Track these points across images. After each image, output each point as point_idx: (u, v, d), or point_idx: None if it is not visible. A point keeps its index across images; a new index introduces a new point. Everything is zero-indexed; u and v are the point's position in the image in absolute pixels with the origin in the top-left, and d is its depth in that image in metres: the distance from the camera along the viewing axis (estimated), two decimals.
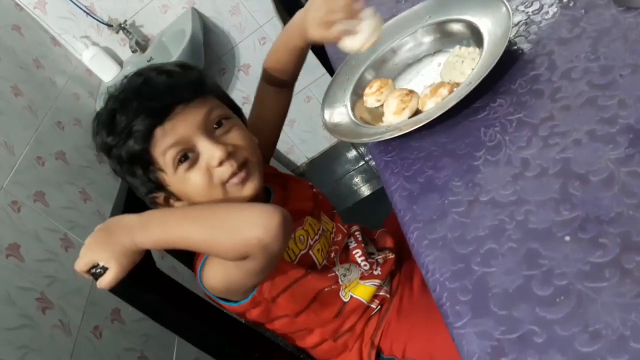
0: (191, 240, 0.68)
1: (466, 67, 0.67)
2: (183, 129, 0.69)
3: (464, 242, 0.49)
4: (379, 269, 0.89)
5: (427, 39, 0.76)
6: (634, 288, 0.37)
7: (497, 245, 0.46)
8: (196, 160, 0.71)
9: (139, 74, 0.73)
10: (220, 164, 0.71)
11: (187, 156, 0.71)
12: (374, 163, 2.28)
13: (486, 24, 0.67)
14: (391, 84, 0.74)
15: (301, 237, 0.82)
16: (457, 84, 0.64)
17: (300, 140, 2.29)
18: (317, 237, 0.84)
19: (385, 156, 0.66)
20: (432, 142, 0.63)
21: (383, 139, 0.63)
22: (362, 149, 2.28)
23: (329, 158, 2.36)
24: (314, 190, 0.95)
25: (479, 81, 0.59)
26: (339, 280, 0.83)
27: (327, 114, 0.74)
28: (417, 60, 0.77)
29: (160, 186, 0.74)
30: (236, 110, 0.82)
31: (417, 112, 0.67)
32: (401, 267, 0.93)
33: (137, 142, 0.68)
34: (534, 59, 0.62)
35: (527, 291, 0.41)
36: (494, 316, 0.42)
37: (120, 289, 0.66)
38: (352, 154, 2.32)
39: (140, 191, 0.76)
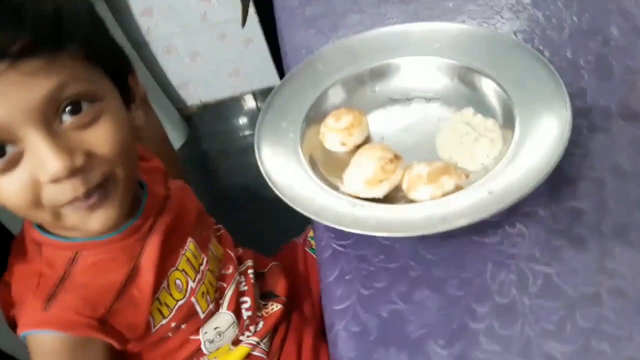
0: None
1: (479, 150, 0.47)
2: (2, 108, 0.39)
3: None
4: (261, 323, 0.69)
5: (431, 77, 0.54)
6: None
7: None
8: (16, 162, 0.42)
9: None
10: (56, 181, 0.43)
11: (1, 151, 0.42)
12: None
13: (525, 103, 0.47)
14: (366, 123, 0.52)
15: (177, 281, 0.58)
16: (465, 175, 0.44)
17: (199, 78, 1.95)
18: (199, 276, 0.61)
19: (337, 241, 0.45)
20: (410, 250, 0.43)
21: (358, 232, 0.40)
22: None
23: (226, 110, 2.06)
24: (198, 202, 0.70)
25: (513, 202, 0.39)
26: (203, 349, 0.62)
27: (267, 144, 0.50)
28: (406, 98, 0.55)
29: None
30: (119, 74, 0.50)
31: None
32: (289, 319, 0.74)
33: None
34: (577, 183, 0.44)
35: None
36: None
37: None
38: (253, 112, 2.05)
39: None
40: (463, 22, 0.60)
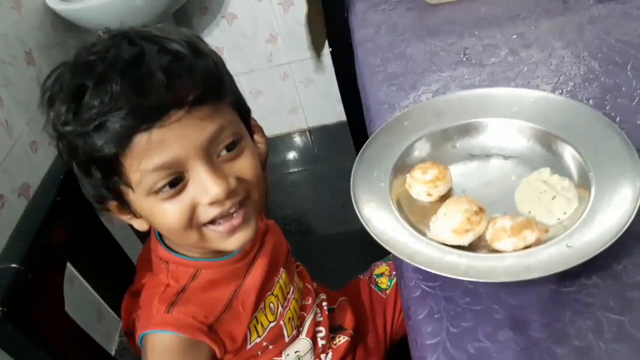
0: None
1: (557, 207, 0.52)
2: (178, 146, 0.49)
3: None
4: (330, 354, 0.74)
5: (510, 137, 0.60)
6: None
7: None
8: (181, 190, 0.51)
9: (131, 41, 0.49)
10: (214, 203, 0.52)
11: (174, 183, 0.51)
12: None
13: (600, 166, 0.52)
14: (449, 176, 0.58)
15: (271, 305, 0.66)
16: (545, 230, 0.50)
17: (259, 116, 2.05)
18: (286, 303, 0.69)
19: (425, 283, 0.51)
20: (493, 296, 0.48)
21: (451, 277, 0.46)
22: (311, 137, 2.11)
23: (282, 144, 2.16)
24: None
25: (590, 256, 0.44)
26: None
27: (360, 192, 0.56)
28: (485, 155, 0.61)
29: (118, 197, 0.54)
30: (247, 117, 0.61)
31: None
32: (354, 352, 0.79)
33: (107, 145, 0.47)
34: None
35: None
36: None
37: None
38: (307, 147, 2.14)
39: (87, 191, 0.55)
40: (537, 86, 0.66)
